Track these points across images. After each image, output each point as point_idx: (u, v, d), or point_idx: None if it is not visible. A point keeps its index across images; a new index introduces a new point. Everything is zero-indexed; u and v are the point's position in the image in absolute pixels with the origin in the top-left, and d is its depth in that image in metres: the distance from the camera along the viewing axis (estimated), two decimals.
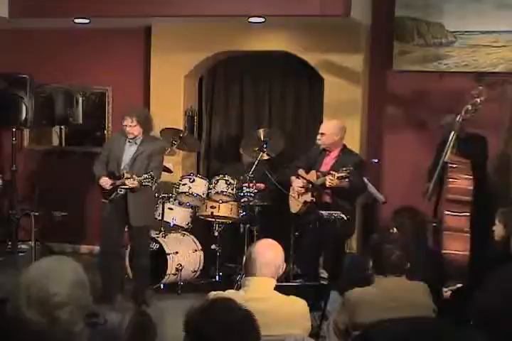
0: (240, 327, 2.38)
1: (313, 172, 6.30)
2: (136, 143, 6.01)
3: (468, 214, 5.78)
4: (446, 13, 7.07)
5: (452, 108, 6.41)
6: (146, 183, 5.82)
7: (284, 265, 3.53)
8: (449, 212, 5.83)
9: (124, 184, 5.85)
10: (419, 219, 4.73)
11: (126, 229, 6.20)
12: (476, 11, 6.95)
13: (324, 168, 6.29)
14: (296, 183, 6.36)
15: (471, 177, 5.82)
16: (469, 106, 5.96)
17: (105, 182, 5.96)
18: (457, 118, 5.99)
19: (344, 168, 5.80)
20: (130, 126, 5.90)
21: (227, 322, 2.37)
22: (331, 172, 5.91)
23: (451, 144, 5.99)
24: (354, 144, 6.74)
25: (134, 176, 5.80)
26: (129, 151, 6.02)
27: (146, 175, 5.80)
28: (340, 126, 6.31)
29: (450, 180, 5.87)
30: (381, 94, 7.38)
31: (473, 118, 6.02)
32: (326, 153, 6.34)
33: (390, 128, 7.40)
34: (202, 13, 6.85)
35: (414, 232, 4.63)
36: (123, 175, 5.89)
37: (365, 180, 6.50)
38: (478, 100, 5.96)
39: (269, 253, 3.46)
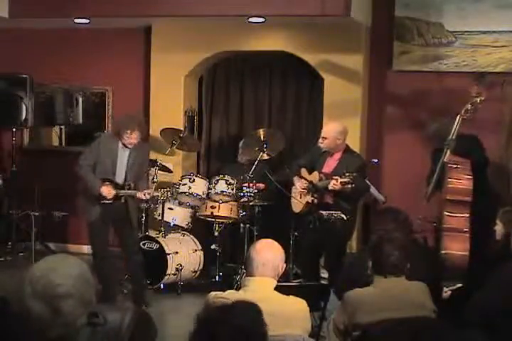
0: (250, 332, 2.39)
1: (315, 174, 6.29)
2: (129, 149, 6.00)
3: (467, 214, 5.76)
4: (446, 13, 7.07)
5: (452, 108, 6.40)
6: (159, 198, 6.27)
7: (284, 265, 3.53)
8: (448, 213, 5.81)
9: (133, 196, 6.02)
10: (402, 218, 4.67)
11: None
12: (476, 11, 6.96)
13: (327, 169, 6.27)
14: (299, 184, 6.35)
15: (471, 177, 5.80)
16: (469, 106, 5.94)
17: (109, 192, 5.93)
18: (455, 126, 5.94)
19: (347, 174, 5.77)
20: (135, 138, 5.90)
21: (239, 327, 2.38)
22: (334, 177, 5.87)
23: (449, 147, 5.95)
24: (354, 144, 6.74)
25: (148, 190, 6.03)
26: (123, 157, 6.01)
27: (161, 191, 6.18)
28: (341, 130, 6.25)
29: (449, 180, 5.84)
30: (381, 94, 7.38)
31: (472, 117, 6.01)
32: (329, 154, 6.32)
33: (389, 128, 7.40)
34: (202, 13, 6.85)
35: (398, 232, 4.58)
36: (128, 186, 5.98)
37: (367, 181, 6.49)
38: (478, 99, 5.95)
39: (268, 254, 3.46)
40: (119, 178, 6.01)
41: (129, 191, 5.99)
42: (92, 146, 6.07)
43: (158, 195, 6.12)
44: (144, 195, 5.96)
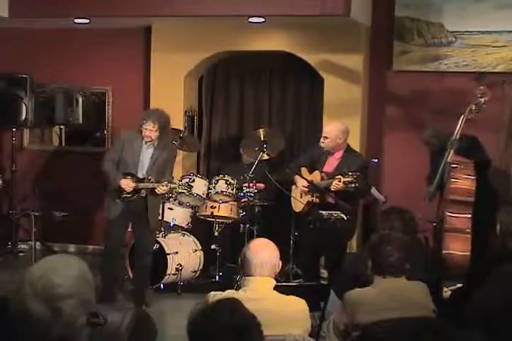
0: (242, 330, 2.39)
1: (316, 173, 6.28)
2: (153, 146, 5.97)
3: (469, 215, 5.75)
4: (446, 13, 7.08)
5: (452, 108, 6.40)
6: (182, 190, 6.17)
7: (280, 263, 3.53)
8: (450, 213, 5.80)
9: (153, 188, 5.91)
10: (408, 218, 4.67)
11: (129, 229, 6.23)
12: (476, 11, 6.96)
13: (328, 168, 6.27)
14: (301, 182, 6.34)
15: (474, 177, 5.79)
16: (473, 106, 5.93)
17: (128, 185, 5.90)
18: (456, 134, 5.93)
19: (350, 173, 5.76)
20: (151, 130, 5.84)
21: (229, 325, 2.37)
22: (337, 177, 5.87)
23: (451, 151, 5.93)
24: (354, 144, 6.74)
25: (166, 182, 5.89)
26: (147, 154, 5.98)
27: (180, 182, 6.06)
28: (343, 129, 6.28)
29: (452, 180, 5.83)
30: (381, 94, 7.38)
31: (475, 118, 6.01)
32: (329, 153, 6.32)
33: (390, 128, 7.40)
34: (202, 13, 6.85)
35: (404, 232, 4.58)
36: (149, 179, 5.92)
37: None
38: (483, 100, 5.93)
39: (264, 253, 3.45)
40: (141, 175, 5.99)
41: (149, 183, 5.92)
42: (116, 143, 6.22)
43: (175, 187, 6.04)
44: (163, 186, 5.88)
